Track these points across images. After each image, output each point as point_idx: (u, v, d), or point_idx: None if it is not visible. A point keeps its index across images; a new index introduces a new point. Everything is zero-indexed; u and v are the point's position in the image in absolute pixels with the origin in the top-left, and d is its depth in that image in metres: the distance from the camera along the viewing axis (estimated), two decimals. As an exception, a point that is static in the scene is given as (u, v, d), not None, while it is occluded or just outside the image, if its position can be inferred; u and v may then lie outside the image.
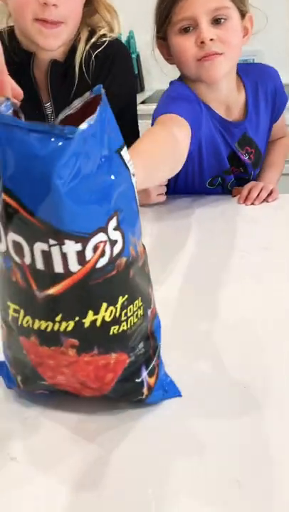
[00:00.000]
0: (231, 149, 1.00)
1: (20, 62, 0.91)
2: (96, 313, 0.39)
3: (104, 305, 0.39)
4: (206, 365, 0.53)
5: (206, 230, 0.89)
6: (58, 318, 0.39)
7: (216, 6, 0.85)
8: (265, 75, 1.03)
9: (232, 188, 1.05)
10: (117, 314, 0.40)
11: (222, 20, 0.86)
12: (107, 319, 0.40)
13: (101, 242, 0.37)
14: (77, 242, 0.36)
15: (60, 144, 0.33)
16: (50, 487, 0.39)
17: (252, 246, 0.80)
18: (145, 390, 0.45)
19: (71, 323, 0.39)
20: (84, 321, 0.39)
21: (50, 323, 0.39)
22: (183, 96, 0.92)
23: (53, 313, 0.39)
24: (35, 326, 0.40)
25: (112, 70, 0.94)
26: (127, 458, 0.42)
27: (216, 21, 0.86)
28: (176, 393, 0.47)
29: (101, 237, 0.37)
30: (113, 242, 0.38)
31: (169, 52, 0.95)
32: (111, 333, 0.41)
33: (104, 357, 0.42)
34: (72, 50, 0.93)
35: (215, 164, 1.00)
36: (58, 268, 0.37)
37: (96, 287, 0.39)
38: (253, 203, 0.96)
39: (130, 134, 0.90)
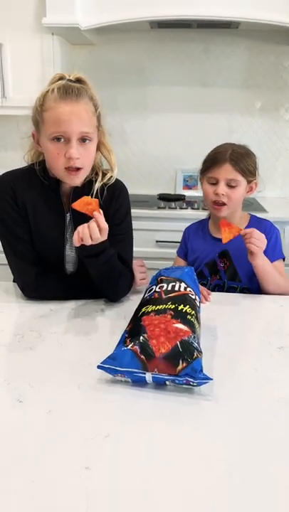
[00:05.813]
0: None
1: (49, 185, 1.32)
2: (184, 306, 0.96)
3: (187, 305, 0.97)
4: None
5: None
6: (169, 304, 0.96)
7: (231, 178, 1.44)
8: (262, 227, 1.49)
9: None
10: (191, 312, 0.96)
11: (233, 186, 1.44)
12: (187, 310, 0.95)
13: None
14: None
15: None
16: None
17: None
18: (180, 365, 0.87)
19: (173, 306, 0.96)
20: (179, 307, 0.95)
21: (165, 305, 0.96)
22: None
23: (169, 302, 0.97)
24: (156, 308, 0.96)
25: (119, 199, 1.38)
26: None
27: (229, 185, 1.45)
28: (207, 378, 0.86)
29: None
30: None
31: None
32: (188, 317, 0.94)
33: (182, 326, 0.92)
34: (89, 181, 1.34)
35: None
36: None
37: (187, 298, 0.99)
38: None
39: (129, 248, 1.37)
